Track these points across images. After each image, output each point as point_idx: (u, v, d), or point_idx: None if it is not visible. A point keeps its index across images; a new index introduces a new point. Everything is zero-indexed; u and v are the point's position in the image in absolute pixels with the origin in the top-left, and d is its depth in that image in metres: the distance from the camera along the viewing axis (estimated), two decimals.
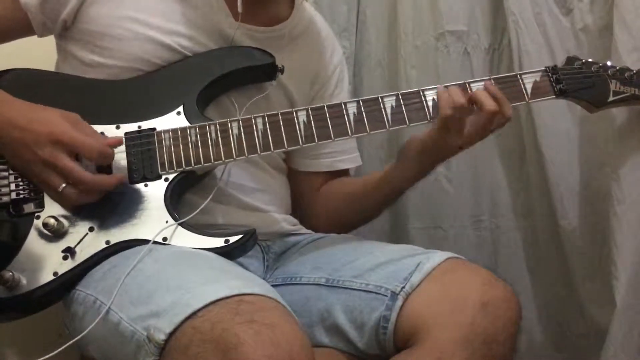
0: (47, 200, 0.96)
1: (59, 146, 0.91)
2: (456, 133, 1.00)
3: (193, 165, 0.98)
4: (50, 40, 1.09)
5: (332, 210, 1.21)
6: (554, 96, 1.06)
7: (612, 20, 1.22)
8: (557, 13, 1.33)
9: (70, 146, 0.92)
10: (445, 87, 1.02)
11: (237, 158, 0.99)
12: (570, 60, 1.09)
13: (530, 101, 1.05)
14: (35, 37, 1.07)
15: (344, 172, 1.24)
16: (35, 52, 1.11)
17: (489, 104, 0.98)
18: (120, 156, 0.98)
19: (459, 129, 1.00)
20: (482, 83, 1.03)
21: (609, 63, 1.09)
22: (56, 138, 0.91)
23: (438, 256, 0.95)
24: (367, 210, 1.19)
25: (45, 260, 0.93)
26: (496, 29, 1.41)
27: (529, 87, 1.05)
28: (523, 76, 1.06)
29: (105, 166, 0.97)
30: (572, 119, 1.33)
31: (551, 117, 1.33)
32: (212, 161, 0.98)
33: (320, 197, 1.22)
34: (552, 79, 1.06)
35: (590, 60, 1.10)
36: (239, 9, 1.04)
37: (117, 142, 0.97)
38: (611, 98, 1.08)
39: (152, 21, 1.03)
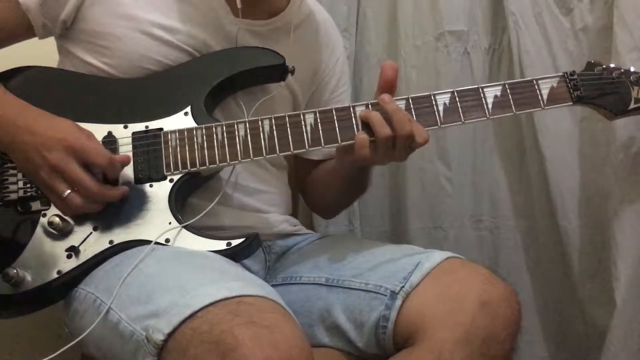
0: None
1: (70, 152, 0.91)
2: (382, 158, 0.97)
3: (198, 166, 0.97)
4: (50, 41, 1.09)
5: (317, 194, 1.23)
6: (572, 103, 1.00)
7: (612, 20, 1.23)
8: (557, 13, 1.33)
9: (83, 153, 0.92)
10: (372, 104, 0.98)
11: (243, 160, 0.98)
12: (590, 65, 1.03)
13: (545, 108, 0.99)
14: (35, 38, 1.07)
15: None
16: (36, 53, 1.11)
17: (380, 131, 0.94)
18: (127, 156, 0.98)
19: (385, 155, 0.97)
20: (499, 87, 0.99)
21: (632, 69, 1.04)
22: (69, 144, 0.91)
23: (437, 256, 0.95)
24: (340, 190, 1.18)
25: (50, 258, 0.94)
26: (496, 29, 1.41)
27: (545, 93, 0.99)
28: (539, 81, 1.00)
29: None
30: (572, 119, 1.34)
31: (551, 118, 1.33)
32: (217, 163, 0.97)
33: (310, 181, 1.23)
34: (569, 85, 1.00)
35: (612, 65, 1.04)
36: (238, 5, 1.03)
37: (125, 160, 0.97)
38: (632, 105, 1.02)
39: (152, 19, 1.03)
